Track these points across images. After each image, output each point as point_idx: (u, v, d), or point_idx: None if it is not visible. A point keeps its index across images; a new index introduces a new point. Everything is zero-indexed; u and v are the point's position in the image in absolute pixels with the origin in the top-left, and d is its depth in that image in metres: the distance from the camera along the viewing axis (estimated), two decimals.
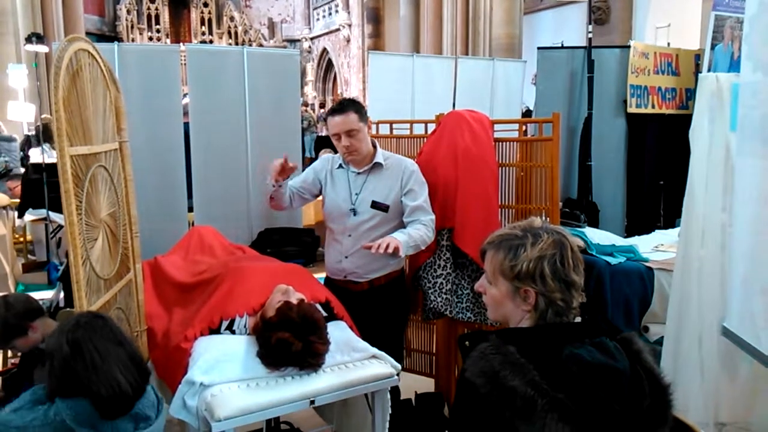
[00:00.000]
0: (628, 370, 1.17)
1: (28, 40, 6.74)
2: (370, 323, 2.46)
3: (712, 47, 4.74)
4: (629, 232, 4.96)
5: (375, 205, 2.54)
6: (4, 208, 5.10)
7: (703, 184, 2.30)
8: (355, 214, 2.57)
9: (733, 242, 2.04)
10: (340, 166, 2.65)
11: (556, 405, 1.09)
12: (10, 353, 3.27)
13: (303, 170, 2.84)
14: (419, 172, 2.62)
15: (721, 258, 2.24)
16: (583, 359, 1.14)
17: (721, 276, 2.24)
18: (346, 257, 2.60)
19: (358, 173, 2.60)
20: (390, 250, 2.31)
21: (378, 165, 2.58)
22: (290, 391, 1.94)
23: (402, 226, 2.56)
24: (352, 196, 2.58)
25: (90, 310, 1.82)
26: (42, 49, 6.99)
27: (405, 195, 2.56)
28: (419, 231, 2.49)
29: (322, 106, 20.63)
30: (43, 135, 7.34)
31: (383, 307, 2.62)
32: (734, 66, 4.59)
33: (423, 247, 2.55)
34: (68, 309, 2.93)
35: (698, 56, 5.32)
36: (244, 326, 2.17)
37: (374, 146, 2.62)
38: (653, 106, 5.19)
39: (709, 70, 4.65)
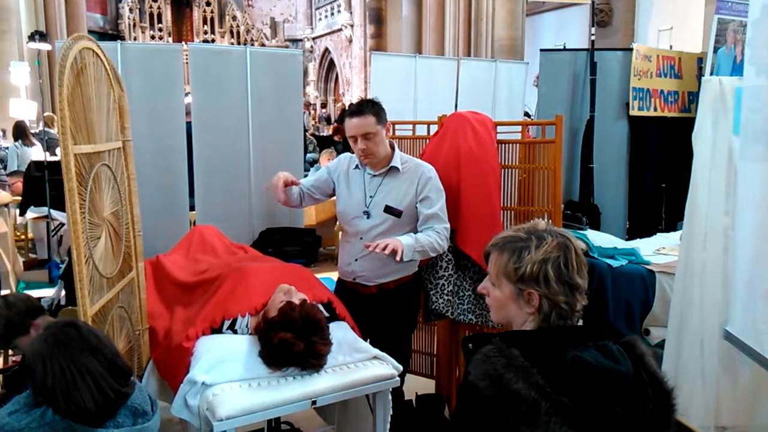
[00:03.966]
0: (632, 373, 1.17)
1: (31, 37, 6.75)
2: (378, 327, 2.45)
3: (715, 50, 4.73)
4: (631, 235, 4.96)
5: (388, 209, 2.50)
6: (6, 205, 5.10)
7: (705, 187, 2.30)
8: (368, 217, 2.52)
9: (735, 246, 2.04)
10: (357, 166, 2.60)
11: (560, 408, 1.09)
12: (11, 351, 3.28)
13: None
14: (437, 178, 2.56)
15: (723, 261, 2.24)
16: (587, 363, 1.14)
17: (723, 279, 2.24)
18: (356, 260, 2.56)
19: (374, 175, 2.55)
20: (387, 252, 2.28)
21: (394, 169, 2.53)
22: (292, 391, 1.94)
23: (415, 232, 2.51)
24: (367, 199, 2.54)
25: (63, 319, 1.80)
26: (44, 47, 7.01)
27: (420, 202, 2.50)
28: (429, 237, 2.45)
29: (323, 106, 20.65)
30: (17, 133, 7.41)
31: (391, 312, 2.58)
32: (737, 69, 4.58)
33: (432, 255, 2.51)
34: (71, 307, 2.93)
35: (701, 59, 5.32)
36: (246, 326, 2.17)
37: (392, 148, 2.56)
38: (655, 109, 5.19)
39: (711, 74, 4.65)
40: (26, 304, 2.35)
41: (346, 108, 2.66)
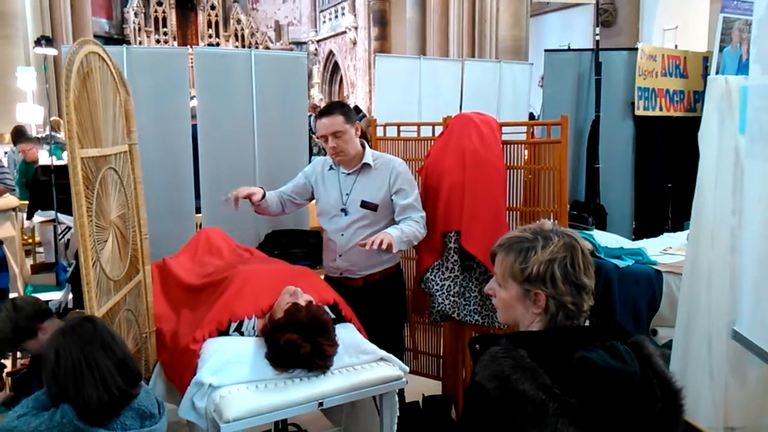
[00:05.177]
0: (639, 374, 1.16)
1: (38, 43, 6.78)
2: (366, 319, 2.47)
3: (721, 49, 4.72)
4: (637, 235, 4.94)
5: (364, 204, 2.62)
6: (14, 209, 5.13)
7: (712, 186, 2.29)
8: (346, 214, 2.64)
9: (743, 245, 2.03)
10: (331, 167, 2.73)
11: (568, 409, 1.09)
12: (19, 353, 3.29)
13: None
14: (408, 171, 2.70)
15: (730, 261, 2.24)
16: (594, 363, 1.13)
17: (730, 279, 2.23)
18: (340, 256, 2.67)
19: (348, 174, 2.68)
20: (384, 246, 2.37)
21: (367, 165, 2.66)
22: (299, 392, 1.95)
23: (393, 224, 2.62)
24: (343, 197, 2.66)
25: (82, 315, 1.83)
26: (51, 51, 7.03)
27: (395, 194, 2.63)
28: (411, 227, 2.57)
29: None
30: (16, 137, 7.40)
31: (378, 304, 2.67)
32: (742, 68, 4.56)
33: (415, 243, 2.63)
34: (78, 310, 2.94)
35: (706, 58, 5.30)
36: (253, 328, 2.17)
37: (363, 147, 2.69)
38: (661, 109, 5.17)
39: (717, 73, 4.64)
40: (34, 307, 2.36)
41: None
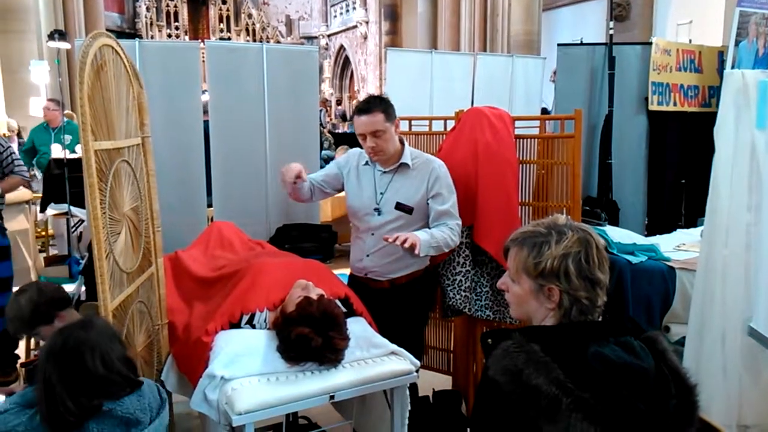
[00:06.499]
0: (654, 369, 1.15)
1: (51, 36, 6.81)
2: (390, 321, 2.45)
3: (737, 44, 4.66)
4: (650, 231, 4.90)
5: (399, 206, 2.50)
6: (27, 202, 5.18)
7: (727, 182, 2.26)
8: (379, 214, 2.53)
9: (759, 242, 2.01)
10: (367, 163, 2.60)
11: (581, 404, 1.08)
12: (33, 344, 3.32)
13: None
14: (447, 174, 2.55)
15: (745, 258, 2.21)
16: (608, 358, 1.12)
17: (745, 276, 2.21)
18: (368, 255, 2.58)
19: (384, 172, 2.55)
20: (407, 245, 2.28)
21: (404, 165, 2.53)
22: (310, 385, 1.95)
23: (426, 227, 2.52)
24: (377, 196, 2.54)
25: (86, 316, 1.81)
26: (64, 45, 7.06)
27: (432, 198, 2.50)
28: (443, 233, 2.45)
29: (339, 103, 20.68)
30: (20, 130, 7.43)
31: (404, 306, 2.60)
32: (759, 63, 4.51)
33: (446, 250, 2.51)
34: (91, 302, 2.96)
35: (722, 53, 5.24)
36: (264, 321, 2.18)
37: (402, 144, 2.55)
38: (675, 104, 5.12)
39: (732, 67, 4.59)
40: (56, 293, 2.36)
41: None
